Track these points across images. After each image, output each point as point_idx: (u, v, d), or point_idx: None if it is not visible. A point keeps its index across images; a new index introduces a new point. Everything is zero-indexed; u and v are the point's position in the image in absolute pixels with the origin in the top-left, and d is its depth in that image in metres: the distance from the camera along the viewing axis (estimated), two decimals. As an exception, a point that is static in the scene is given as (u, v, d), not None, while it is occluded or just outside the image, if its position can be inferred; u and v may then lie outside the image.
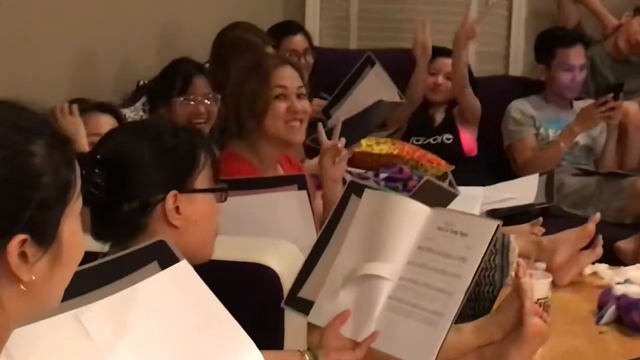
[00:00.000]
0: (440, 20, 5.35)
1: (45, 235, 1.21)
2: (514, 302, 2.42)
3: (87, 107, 3.05)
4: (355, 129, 4.00)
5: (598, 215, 3.25)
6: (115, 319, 1.43)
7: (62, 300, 1.32)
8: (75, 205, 1.27)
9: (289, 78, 3.04)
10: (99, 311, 1.43)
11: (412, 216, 2.28)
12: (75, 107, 2.93)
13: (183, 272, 1.57)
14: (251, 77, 3.06)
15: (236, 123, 3.06)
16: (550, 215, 4.06)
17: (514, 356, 2.39)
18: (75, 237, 1.28)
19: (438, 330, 2.10)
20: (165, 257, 1.73)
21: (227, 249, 2.26)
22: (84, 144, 2.70)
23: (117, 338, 1.40)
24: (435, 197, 3.08)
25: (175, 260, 1.67)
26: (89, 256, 1.67)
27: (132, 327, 1.43)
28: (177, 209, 2.00)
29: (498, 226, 2.22)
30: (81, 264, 1.40)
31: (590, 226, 3.20)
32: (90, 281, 1.61)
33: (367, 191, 2.33)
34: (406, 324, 2.15)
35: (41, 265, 1.20)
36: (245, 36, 3.94)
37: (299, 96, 3.03)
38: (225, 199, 2.13)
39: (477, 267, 2.13)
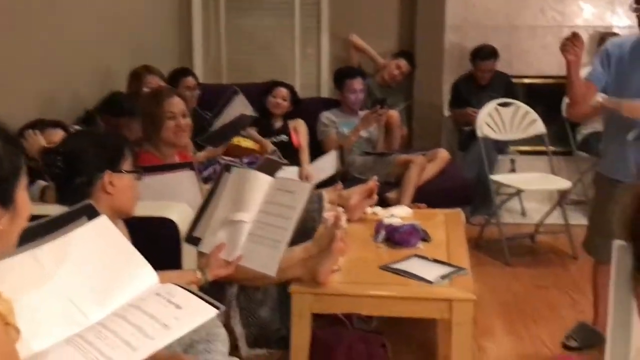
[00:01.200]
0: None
1: (7, 200, 1.28)
2: (327, 231, 2.70)
3: (46, 124, 3.10)
4: (228, 131, 4.29)
5: (375, 178, 3.49)
6: (57, 253, 1.45)
7: (19, 246, 1.38)
8: (23, 180, 1.33)
9: (176, 104, 3.10)
10: (47, 249, 1.45)
11: (261, 182, 2.44)
12: (37, 131, 2.98)
13: (103, 223, 1.56)
14: (151, 104, 3.15)
15: (145, 133, 3.16)
16: (346, 179, 4.25)
17: (325, 263, 2.69)
18: (25, 201, 1.33)
19: (277, 251, 2.30)
20: (91, 214, 1.90)
21: (143, 209, 2.36)
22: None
23: (58, 266, 1.43)
24: (271, 167, 3.22)
25: (98, 215, 1.76)
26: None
27: (68, 259, 1.45)
28: (110, 183, 2.16)
29: (311, 186, 2.46)
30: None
31: (371, 184, 3.42)
32: (41, 232, 1.74)
33: (234, 169, 2.53)
34: (259, 249, 2.32)
35: (5, 220, 1.29)
36: (148, 74, 4.06)
37: (183, 115, 3.10)
38: (141, 178, 2.29)
39: (300, 211, 2.33)
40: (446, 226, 3.43)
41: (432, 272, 2.81)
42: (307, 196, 2.35)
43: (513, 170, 5.40)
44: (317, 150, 4.74)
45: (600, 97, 3.09)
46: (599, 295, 3.31)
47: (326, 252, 2.66)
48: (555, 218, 4.81)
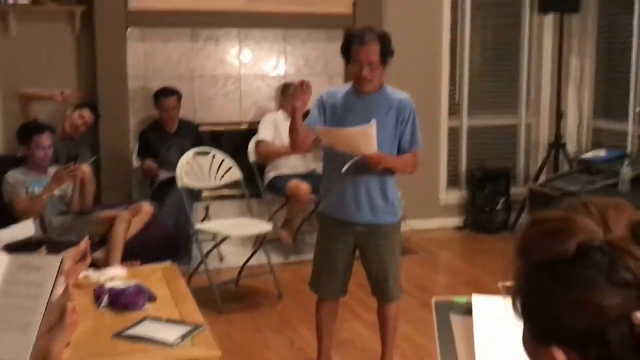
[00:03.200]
0: None
1: None
2: (54, 306, 2.52)
3: None
4: None
5: (87, 238, 3.27)
6: None
7: None
8: None
9: None
10: None
11: None
12: None
13: None
14: None
15: None
16: (46, 242, 3.86)
17: (58, 340, 2.46)
18: None
19: (30, 335, 2.04)
20: None
21: None
22: None
23: None
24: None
25: None
26: None
27: None
28: None
29: (60, 258, 2.26)
30: None
31: (82, 245, 3.24)
32: None
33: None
34: (6, 336, 2.05)
35: None
36: None
37: None
38: None
39: (50, 287, 2.07)
40: (166, 282, 3.33)
41: (170, 333, 2.70)
42: (57, 270, 2.11)
43: (207, 217, 5.44)
44: (6, 213, 4.30)
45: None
46: (322, 332, 3.46)
47: (57, 327, 2.38)
48: (253, 260, 4.93)
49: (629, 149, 5.91)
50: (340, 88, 3.46)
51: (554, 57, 6.40)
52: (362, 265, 3.42)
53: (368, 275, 3.40)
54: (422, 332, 4.08)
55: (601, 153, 5.94)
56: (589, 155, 6.04)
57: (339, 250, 3.35)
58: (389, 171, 3.31)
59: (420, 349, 3.86)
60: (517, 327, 1.26)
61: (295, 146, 3.38)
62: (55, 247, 3.57)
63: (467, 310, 1.24)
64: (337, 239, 3.34)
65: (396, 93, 3.32)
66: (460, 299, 1.26)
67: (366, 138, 3.16)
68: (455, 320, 1.23)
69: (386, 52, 3.22)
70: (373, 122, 3.16)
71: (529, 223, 0.88)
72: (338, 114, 3.28)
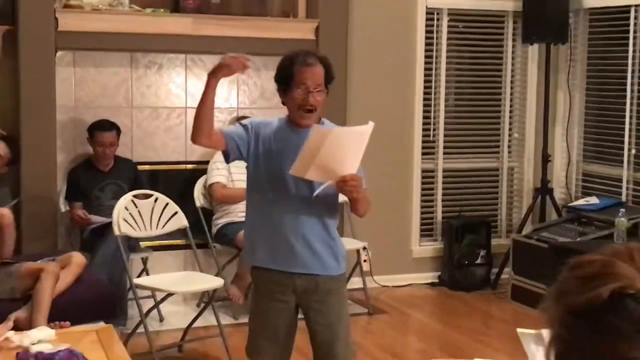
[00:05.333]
0: None
1: None
2: None
3: None
4: None
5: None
6: None
7: None
8: None
9: None
10: None
11: None
12: None
13: None
14: None
15: None
16: None
17: None
18: None
19: None
20: None
21: None
22: None
23: None
24: None
25: None
26: None
27: None
28: None
29: None
30: None
31: None
32: None
33: None
34: None
35: None
36: None
37: None
38: None
39: None
40: (102, 346, 3.28)
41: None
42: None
43: (146, 270, 5.39)
44: None
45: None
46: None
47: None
48: (199, 321, 4.88)
49: (623, 197, 6.02)
50: (271, 120, 3.35)
51: (540, 92, 6.48)
52: (306, 328, 3.34)
53: (312, 340, 3.32)
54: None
55: (593, 201, 6.04)
56: (579, 202, 6.13)
57: (278, 310, 3.27)
58: (333, 214, 3.29)
59: None
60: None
61: (200, 133, 3.11)
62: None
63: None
64: (274, 297, 3.27)
65: (335, 127, 3.28)
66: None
67: (361, 143, 3.09)
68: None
69: (329, 78, 3.22)
70: (371, 123, 3.09)
71: (568, 266, 0.90)
72: (272, 149, 3.19)
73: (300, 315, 3.36)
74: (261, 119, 3.42)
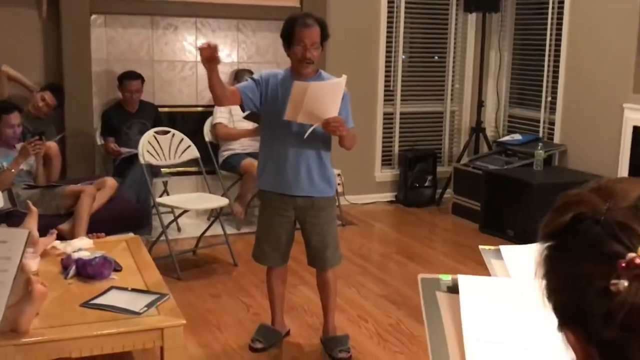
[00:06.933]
0: None
1: None
2: (21, 277, 2.26)
3: None
4: None
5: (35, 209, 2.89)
6: None
7: None
8: None
9: None
10: None
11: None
12: None
13: None
14: None
15: None
16: (14, 215, 3.67)
17: (27, 311, 2.22)
18: None
19: None
20: None
21: None
22: None
23: None
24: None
25: None
26: None
27: None
28: None
29: (27, 232, 2.02)
30: None
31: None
32: None
33: None
34: None
35: None
36: None
37: None
38: None
39: (18, 261, 1.90)
40: (131, 253, 3.11)
41: (136, 302, 2.50)
42: (24, 244, 1.87)
43: (166, 191, 5.19)
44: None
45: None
46: (273, 297, 3.29)
47: (25, 298, 2.19)
48: (209, 231, 4.72)
49: (540, 134, 5.89)
50: (278, 71, 3.16)
51: (476, 51, 6.33)
52: (302, 237, 3.20)
53: (307, 246, 3.18)
54: (363, 295, 3.97)
55: (516, 137, 5.91)
56: (505, 138, 6.00)
57: (281, 223, 3.13)
58: (327, 147, 3.12)
59: (363, 311, 3.74)
60: (503, 305, 1.12)
61: (218, 100, 3.02)
62: (20, 218, 3.28)
63: (451, 288, 1.08)
64: (278, 212, 3.13)
65: (330, 77, 3.10)
66: (446, 277, 1.10)
67: (337, 92, 2.94)
68: (441, 297, 1.07)
69: (325, 36, 3.03)
70: (344, 76, 2.95)
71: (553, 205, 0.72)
72: (278, 96, 3.02)
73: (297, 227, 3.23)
74: (269, 71, 3.18)
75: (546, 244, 0.70)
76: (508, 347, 1.04)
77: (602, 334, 0.63)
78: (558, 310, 0.69)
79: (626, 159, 4.92)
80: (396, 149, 6.34)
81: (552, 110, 5.76)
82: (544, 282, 0.71)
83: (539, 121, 5.93)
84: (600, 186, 0.69)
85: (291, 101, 2.90)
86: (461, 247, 4.94)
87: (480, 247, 1.26)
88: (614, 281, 0.61)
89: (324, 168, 3.10)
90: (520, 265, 1.19)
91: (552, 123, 5.77)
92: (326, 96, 2.95)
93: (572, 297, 0.66)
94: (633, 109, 4.84)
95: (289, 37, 3.00)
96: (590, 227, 0.65)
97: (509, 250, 1.22)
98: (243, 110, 3.13)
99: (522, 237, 4.80)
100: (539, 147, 5.39)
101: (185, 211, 4.55)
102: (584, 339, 0.66)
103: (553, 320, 0.70)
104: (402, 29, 6.14)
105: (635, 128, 4.84)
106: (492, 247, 1.24)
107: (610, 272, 0.62)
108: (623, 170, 4.94)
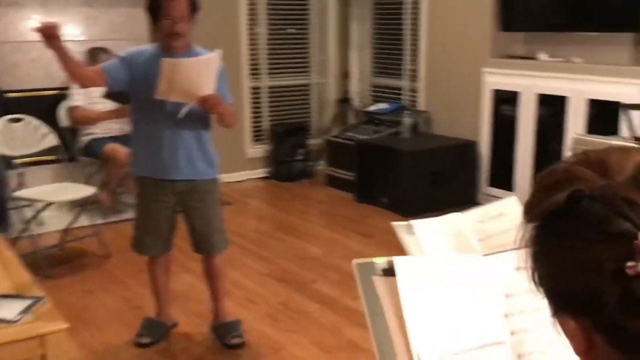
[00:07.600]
0: None
1: None
2: None
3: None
4: None
5: None
6: None
7: None
8: None
9: None
10: None
11: None
12: None
13: None
14: None
15: None
16: None
17: None
18: None
19: None
20: None
21: None
22: None
23: None
24: None
25: None
26: None
27: None
28: None
29: None
30: None
31: None
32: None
33: None
34: None
35: None
36: None
37: None
38: None
39: None
40: (-7, 254, 2.81)
41: (9, 310, 2.24)
42: None
43: (23, 184, 4.78)
44: None
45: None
46: (157, 288, 3.13)
47: None
48: (75, 222, 4.42)
49: (404, 102, 6.04)
50: (145, 48, 2.96)
51: (338, 23, 6.37)
52: (185, 222, 3.05)
53: (191, 232, 3.03)
54: (248, 276, 3.90)
55: (383, 106, 6.02)
56: (372, 108, 6.10)
57: (160, 210, 2.96)
58: (205, 127, 2.97)
59: (250, 293, 3.66)
60: (441, 284, 1.09)
61: (79, 81, 2.81)
62: None
63: (387, 271, 1.03)
64: (157, 199, 2.95)
65: (205, 52, 2.93)
66: (380, 260, 1.05)
67: (210, 69, 2.79)
68: (378, 281, 1.02)
69: (194, 8, 2.85)
70: (218, 51, 2.80)
71: (537, 179, 0.67)
72: (148, 74, 2.81)
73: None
74: (136, 49, 2.96)
75: (533, 224, 0.64)
76: (450, 325, 1.01)
77: (615, 321, 0.58)
78: (556, 296, 0.64)
79: (487, 121, 5.16)
80: (266, 123, 6.26)
81: (415, 78, 5.92)
82: (533, 265, 0.65)
83: (401, 89, 6.08)
84: (589, 159, 0.64)
85: (162, 79, 2.74)
86: (338, 218, 4.98)
87: (393, 223, 1.22)
88: (630, 263, 0.56)
89: (204, 149, 2.96)
90: (432, 239, 1.16)
91: (415, 91, 5.93)
92: (199, 73, 2.80)
93: (577, 282, 0.60)
94: (491, 73, 5.07)
95: (155, 11, 2.81)
96: (590, 206, 0.60)
97: (420, 225, 1.19)
98: (110, 90, 2.92)
99: (395, 204, 4.92)
100: (405, 115, 5.52)
101: (50, 204, 4.21)
102: (589, 326, 0.61)
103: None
104: (264, 3, 6.03)
105: (494, 91, 5.07)
106: (404, 223, 1.21)
107: (622, 253, 0.57)
108: (485, 133, 5.18)
